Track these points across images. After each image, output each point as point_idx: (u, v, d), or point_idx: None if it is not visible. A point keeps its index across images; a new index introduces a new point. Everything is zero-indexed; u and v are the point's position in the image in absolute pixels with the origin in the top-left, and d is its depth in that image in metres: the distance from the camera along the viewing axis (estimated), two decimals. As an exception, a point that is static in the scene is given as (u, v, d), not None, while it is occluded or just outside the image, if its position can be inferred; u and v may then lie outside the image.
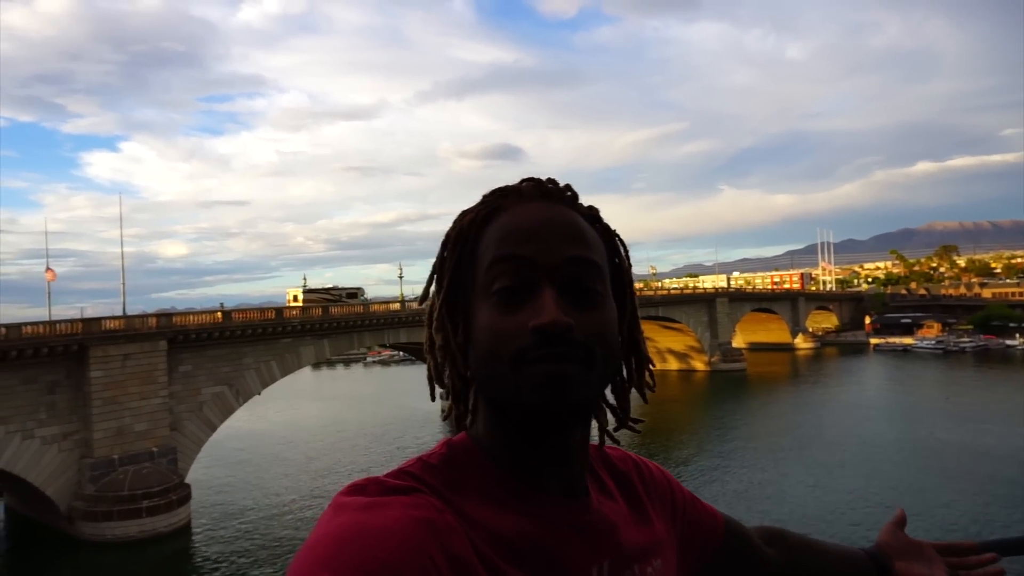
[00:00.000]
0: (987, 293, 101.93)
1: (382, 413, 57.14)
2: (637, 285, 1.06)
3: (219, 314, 37.65)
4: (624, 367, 1.01)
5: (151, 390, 31.81)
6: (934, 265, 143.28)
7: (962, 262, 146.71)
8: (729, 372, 70.53)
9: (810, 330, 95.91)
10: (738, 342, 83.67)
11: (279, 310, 41.42)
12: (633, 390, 1.03)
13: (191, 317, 36.20)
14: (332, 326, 41.87)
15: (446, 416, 0.97)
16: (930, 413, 47.83)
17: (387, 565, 0.71)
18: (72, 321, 31.96)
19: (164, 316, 36.04)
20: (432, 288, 0.98)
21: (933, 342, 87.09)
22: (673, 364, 74.02)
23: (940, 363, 75.86)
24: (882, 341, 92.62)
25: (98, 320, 32.42)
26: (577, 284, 0.89)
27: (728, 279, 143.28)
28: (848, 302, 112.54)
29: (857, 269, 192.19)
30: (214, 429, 35.11)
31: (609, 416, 1.01)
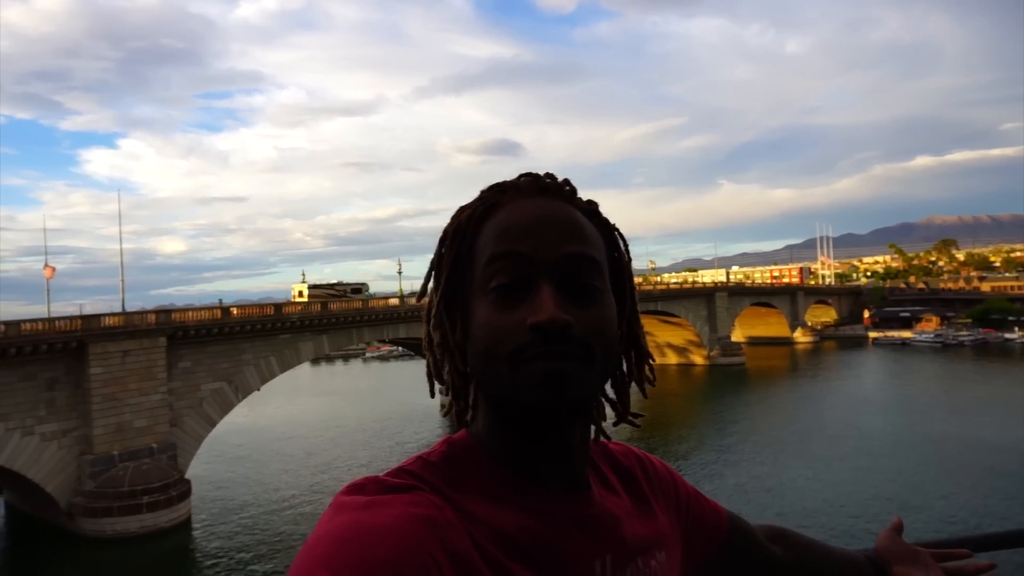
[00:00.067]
0: (986, 287, 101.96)
1: (381, 409, 57.18)
2: (636, 280, 1.05)
3: (218, 310, 37.68)
4: (624, 362, 1.00)
5: (150, 386, 31.83)
6: (933, 259, 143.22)
7: (961, 256, 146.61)
8: (728, 366, 70.61)
9: (809, 324, 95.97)
10: (737, 336, 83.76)
11: (278, 306, 41.41)
12: (633, 384, 1.03)
13: (190, 313, 36.22)
14: (331, 322, 41.89)
15: (446, 412, 0.97)
16: (928, 406, 47.93)
17: (387, 563, 0.71)
18: (71, 318, 31.97)
19: (163, 313, 36.04)
20: (430, 285, 0.97)
21: (932, 336, 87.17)
22: (672, 358, 74.11)
23: (939, 357, 75.96)
24: (881, 335, 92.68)
25: (97, 317, 32.45)
26: (575, 280, 0.88)
27: (727, 273, 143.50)
28: (847, 296, 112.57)
29: (856, 263, 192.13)
30: (214, 425, 35.16)
31: (609, 411, 1.01)
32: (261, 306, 40.92)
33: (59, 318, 32.06)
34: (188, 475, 32.15)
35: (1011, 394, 50.66)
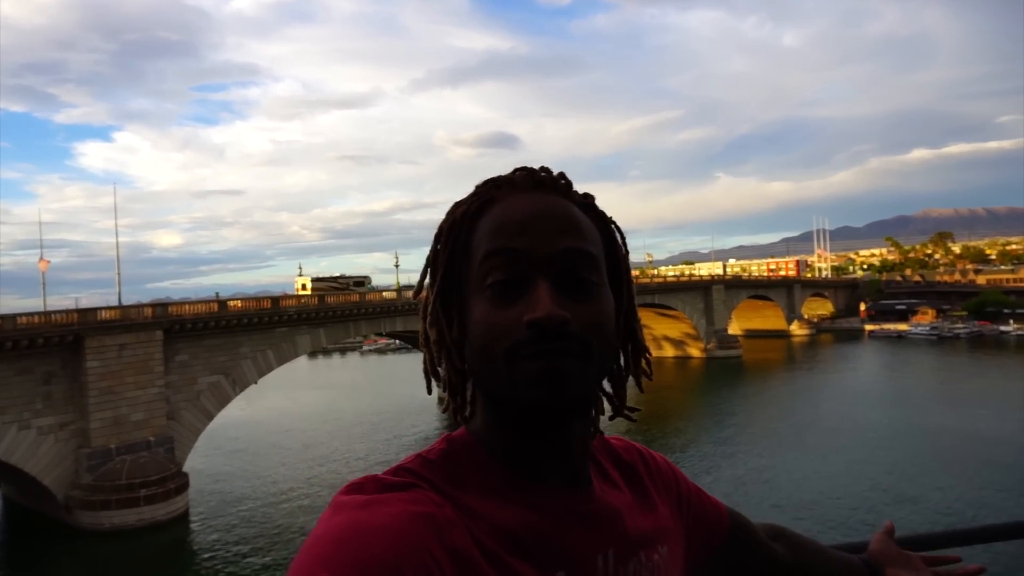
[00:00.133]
0: (982, 279, 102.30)
1: (379, 402, 57.23)
2: (633, 273, 1.04)
3: (215, 304, 37.65)
4: (621, 355, 0.99)
5: (147, 380, 31.82)
6: (929, 252, 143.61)
7: (957, 249, 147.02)
8: (725, 359, 70.78)
9: (805, 317, 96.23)
10: (734, 329, 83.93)
11: (275, 299, 41.36)
12: (630, 378, 1.02)
13: (187, 307, 36.16)
14: (328, 315, 41.88)
15: (444, 408, 0.97)
16: (924, 398, 48.15)
17: (386, 562, 0.71)
18: (67, 311, 31.93)
19: (160, 306, 35.96)
20: (426, 282, 0.96)
21: (927, 328, 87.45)
22: (669, 351, 74.26)
23: (934, 349, 76.25)
24: (877, 327, 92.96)
25: (94, 310, 32.38)
26: (572, 275, 0.87)
27: (724, 266, 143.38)
28: (843, 289, 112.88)
29: (852, 256, 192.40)
30: (211, 418, 35.17)
31: (605, 405, 1.00)
32: (258, 299, 40.88)
33: (55, 312, 32.00)
34: (186, 468, 32.17)
35: (1006, 386, 50.92)
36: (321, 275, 76.69)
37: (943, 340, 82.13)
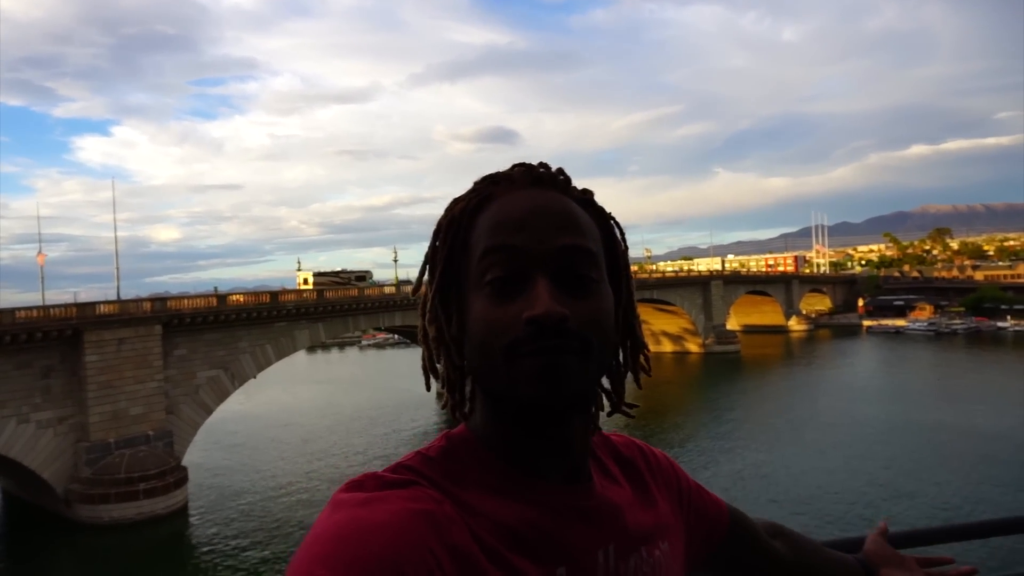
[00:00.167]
0: (979, 276, 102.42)
1: (377, 396, 57.29)
2: (632, 268, 1.04)
3: (214, 298, 37.64)
4: (619, 351, 0.99)
5: (146, 374, 31.83)
6: (927, 248, 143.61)
7: (955, 245, 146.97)
8: (723, 354, 70.86)
9: (804, 312, 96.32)
10: (732, 324, 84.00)
11: (274, 294, 41.37)
12: (628, 374, 1.02)
13: (185, 301, 36.17)
14: (327, 310, 41.88)
15: (443, 405, 0.96)
16: (922, 394, 48.26)
17: (385, 560, 0.71)
18: (66, 306, 31.91)
19: (158, 300, 36.01)
20: (425, 278, 0.96)
21: (925, 324, 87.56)
22: (667, 346, 74.35)
23: (932, 345, 76.37)
24: (875, 323, 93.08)
25: (92, 305, 32.38)
26: (571, 272, 0.87)
27: (723, 262, 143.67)
28: (841, 284, 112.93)
29: (851, 252, 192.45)
30: (210, 412, 35.21)
31: (604, 401, 1.00)
32: (257, 294, 40.88)
33: (54, 306, 31.99)
34: (184, 462, 32.21)
35: (1003, 382, 51.03)
36: (323, 270, 76.98)
37: (940, 336, 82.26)
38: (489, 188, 0.94)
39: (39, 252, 45.69)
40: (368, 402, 54.83)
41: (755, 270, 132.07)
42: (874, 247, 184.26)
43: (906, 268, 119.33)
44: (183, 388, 33.72)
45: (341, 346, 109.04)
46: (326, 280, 68.85)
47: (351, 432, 44.42)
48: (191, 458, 33.58)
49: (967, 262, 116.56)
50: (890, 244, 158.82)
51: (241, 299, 38.88)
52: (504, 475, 0.89)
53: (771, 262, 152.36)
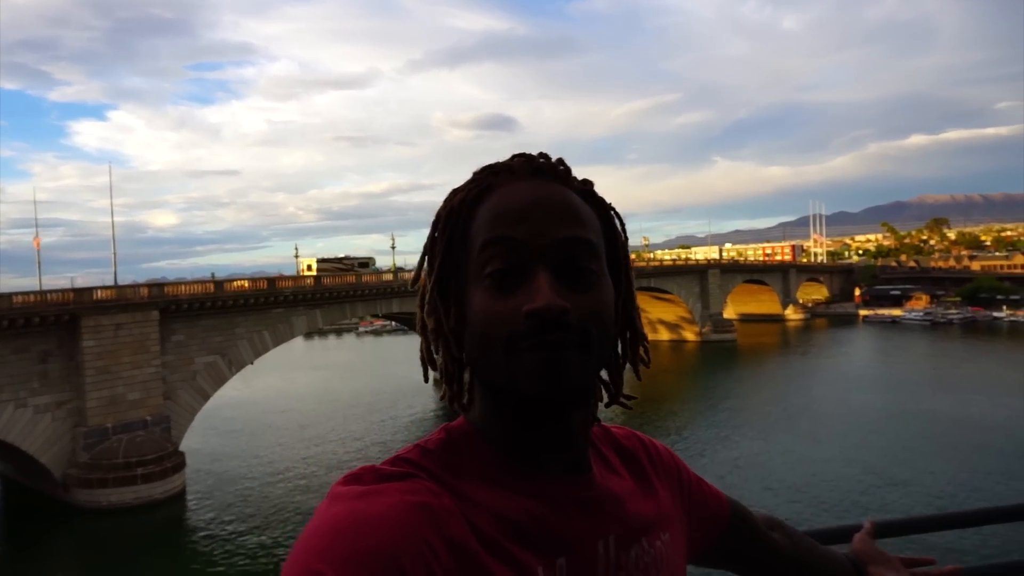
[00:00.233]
0: (976, 266, 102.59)
1: (374, 383, 57.39)
2: (630, 256, 1.03)
3: (211, 284, 37.60)
4: (619, 343, 0.99)
5: (144, 359, 31.85)
6: (924, 238, 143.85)
7: (952, 235, 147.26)
8: (720, 343, 71.04)
9: (800, 301, 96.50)
10: (729, 313, 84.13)
11: (271, 280, 41.33)
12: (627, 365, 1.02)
13: (183, 287, 36.13)
14: (324, 296, 41.87)
15: (442, 396, 0.96)
16: (917, 383, 48.44)
17: (382, 553, 0.71)
18: (63, 291, 31.89)
19: (156, 286, 35.97)
20: (423, 270, 0.95)
21: (921, 314, 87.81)
22: (664, 335, 74.49)
23: (928, 335, 76.62)
24: (871, 313, 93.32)
25: (89, 290, 32.35)
26: (572, 265, 0.86)
27: (720, 250, 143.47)
28: (838, 274, 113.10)
29: (848, 241, 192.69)
30: (207, 398, 35.26)
31: (602, 392, 1.00)
32: (255, 280, 40.83)
33: (51, 291, 31.96)
34: (182, 447, 32.29)
35: (998, 372, 51.27)
36: (326, 256, 77.18)
37: (936, 326, 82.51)
38: (488, 179, 0.93)
39: (35, 237, 45.55)
40: (365, 389, 54.94)
41: (752, 259, 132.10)
42: (872, 237, 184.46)
43: (903, 258, 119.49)
44: (181, 374, 33.75)
45: (338, 332, 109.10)
46: (330, 266, 69.14)
47: (348, 419, 44.53)
48: (189, 443, 33.67)
49: (964, 252, 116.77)
50: (887, 234, 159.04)
51: (240, 285, 38.86)
52: (504, 467, 0.89)
53: (769, 251, 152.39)
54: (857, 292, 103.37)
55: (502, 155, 0.98)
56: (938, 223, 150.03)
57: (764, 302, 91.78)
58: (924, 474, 29.09)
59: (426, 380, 0.99)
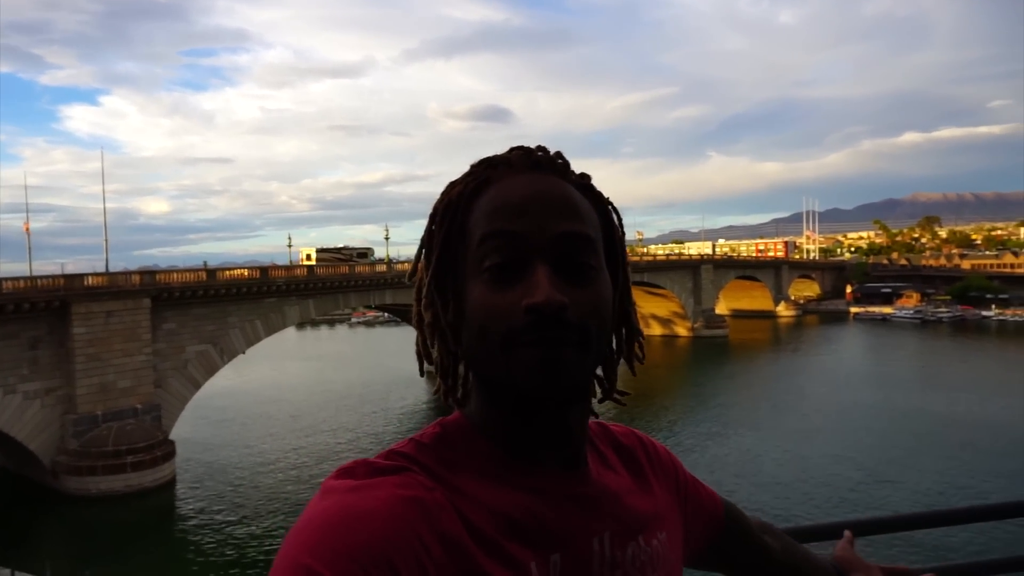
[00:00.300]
0: (966, 264, 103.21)
1: (366, 374, 57.38)
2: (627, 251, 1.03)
3: (203, 272, 37.46)
4: (614, 338, 0.97)
5: (135, 347, 31.73)
6: (916, 236, 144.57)
7: (943, 233, 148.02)
8: (712, 338, 71.30)
9: (792, 298, 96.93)
10: (721, 309, 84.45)
11: (264, 269, 41.23)
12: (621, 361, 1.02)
13: (175, 275, 35.98)
14: (317, 286, 41.78)
15: (436, 390, 0.95)
16: (906, 381, 48.77)
17: (373, 548, 0.71)
18: (54, 277, 31.71)
19: (147, 273, 35.80)
20: (420, 263, 0.94)
21: (911, 312, 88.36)
22: (656, 329, 74.67)
23: (917, 332, 77.11)
24: (862, 310, 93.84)
25: (80, 276, 32.17)
26: (571, 259, 0.86)
27: (713, 246, 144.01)
28: (830, 271, 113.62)
29: (840, 238, 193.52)
30: (198, 387, 35.17)
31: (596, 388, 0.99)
32: (247, 269, 40.71)
33: (42, 277, 31.77)
34: (172, 436, 32.22)
35: (986, 371, 51.70)
36: (326, 246, 77.27)
37: (926, 324, 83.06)
38: (487, 172, 0.92)
39: (25, 222, 45.23)
40: (357, 380, 54.92)
41: (745, 255, 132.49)
42: (864, 234, 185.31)
43: (895, 256, 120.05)
44: (172, 362, 33.64)
45: (331, 323, 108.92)
46: (328, 256, 69.22)
47: (340, 410, 44.52)
48: (179, 432, 33.60)
49: (955, 251, 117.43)
50: (880, 231, 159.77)
51: (230, 274, 38.73)
52: (499, 462, 0.88)
53: (761, 247, 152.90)
54: (848, 289, 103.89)
55: (497, 147, 0.96)
56: (930, 221, 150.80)
57: (756, 298, 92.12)
58: (912, 471, 29.32)
59: (422, 374, 0.99)
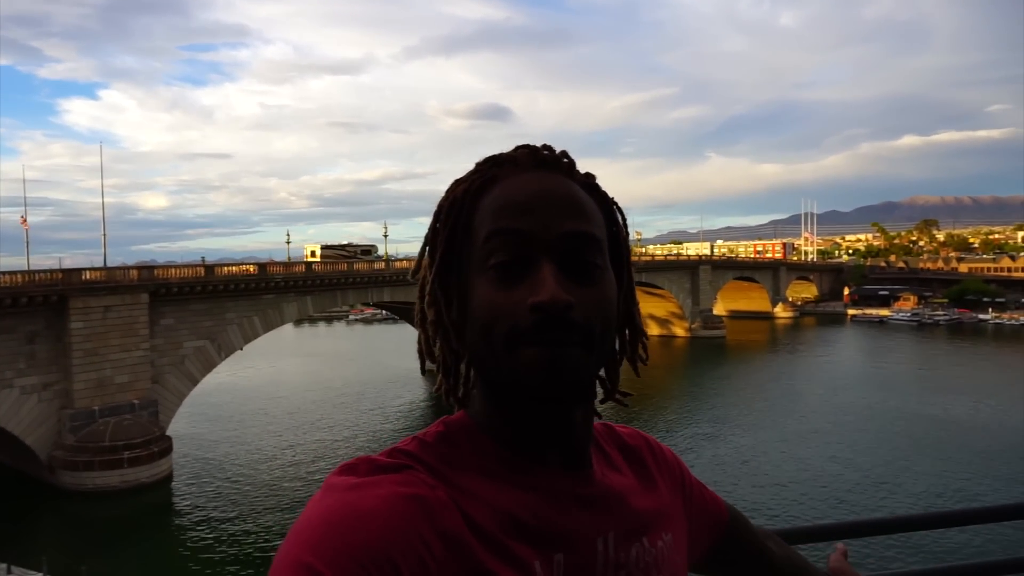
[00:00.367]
0: (964, 268, 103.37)
1: (364, 371, 57.36)
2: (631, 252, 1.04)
3: (201, 268, 37.42)
4: (617, 338, 0.98)
5: (132, 342, 31.69)
6: (914, 239, 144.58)
7: (941, 236, 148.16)
8: (709, 339, 71.36)
9: (790, 299, 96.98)
10: (719, 309, 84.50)
11: (262, 266, 41.22)
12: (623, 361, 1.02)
13: (173, 270, 35.91)
14: (315, 283, 41.75)
15: (437, 388, 0.95)
16: (902, 384, 48.86)
17: (373, 547, 0.71)
18: (51, 271, 31.70)
19: (146, 268, 35.74)
20: (424, 261, 0.94)
21: (908, 314, 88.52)
22: (654, 330, 74.67)
23: (914, 335, 77.23)
24: (859, 312, 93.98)
25: (78, 271, 32.12)
26: (576, 258, 0.86)
27: (712, 247, 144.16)
28: (828, 273, 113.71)
29: (839, 240, 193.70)
30: (196, 383, 35.14)
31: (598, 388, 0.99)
32: (245, 265, 40.69)
33: (39, 271, 31.74)
34: (170, 432, 32.19)
35: (982, 374, 51.81)
36: (330, 243, 77.62)
37: (923, 326, 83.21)
38: (492, 170, 0.92)
39: (23, 216, 45.12)
40: (355, 377, 54.90)
41: (743, 256, 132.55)
42: (862, 236, 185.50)
43: (892, 258, 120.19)
44: (169, 357, 33.61)
45: (329, 320, 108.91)
46: (333, 253, 69.42)
47: (337, 406, 44.52)
48: (176, 428, 33.58)
49: (952, 254, 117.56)
50: (878, 234, 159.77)
51: (228, 270, 38.70)
52: (502, 460, 0.88)
53: (760, 248, 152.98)
54: (846, 291, 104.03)
55: (497, 145, 0.95)
56: (928, 224, 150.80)
57: (754, 299, 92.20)
58: (908, 473, 29.39)
59: (423, 372, 0.98)
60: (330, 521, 0.72)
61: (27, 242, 43.48)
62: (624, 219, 0.99)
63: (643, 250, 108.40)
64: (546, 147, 0.94)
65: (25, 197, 46.64)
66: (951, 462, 30.52)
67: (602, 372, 0.95)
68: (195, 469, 31.86)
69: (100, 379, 30.31)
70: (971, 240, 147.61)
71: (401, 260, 54.55)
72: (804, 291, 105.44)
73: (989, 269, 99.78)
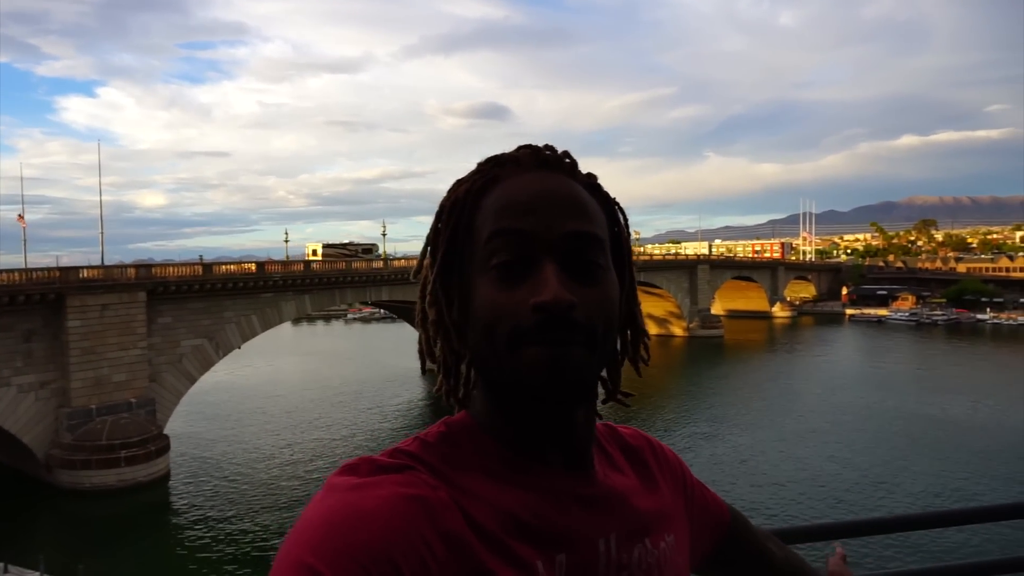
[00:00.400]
0: (962, 268, 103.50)
1: (362, 370, 57.28)
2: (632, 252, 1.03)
3: (199, 267, 37.37)
4: (619, 339, 0.97)
5: (130, 341, 31.64)
6: (912, 238, 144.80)
7: (940, 236, 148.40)
8: (707, 338, 71.40)
9: (788, 299, 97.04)
10: (717, 309, 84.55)
11: (260, 264, 41.20)
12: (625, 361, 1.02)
13: (171, 269, 35.87)
14: (314, 282, 41.72)
15: (438, 389, 0.94)
16: (900, 383, 48.91)
17: (375, 548, 0.70)
18: (49, 269, 31.64)
19: (143, 267, 35.70)
20: (426, 261, 0.93)
21: (907, 314, 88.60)
22: (652, 329, 72.31)
23: (912, 335, 77.30)
24: (857, 312, 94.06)
25: (76, 269, 32.05)
26: (579, 258, 0.86)
27: (710, 246, 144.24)
28: (826, 273, 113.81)
29: (837, 240, 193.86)
30: (193, 381, 35.10)
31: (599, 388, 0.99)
32: (244, 264, 40.65)
33: (36, 269, 31.68)
34: (167, 431, 32.16)
35: (980, 374, 51.87)
36: (331, 242, 77.77)
37: (921, 326, 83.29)
38: (494, 170, 0.92)
39: (20, 214, 45.05)
40: (353, 376, 54.84)
41: (742, 256, 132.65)
42: (860, 236, 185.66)
43: (891, 258, 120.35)
44: (167, 356, 33.56)
45: (327, 319, 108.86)
46: (334, 252, 69.67)
47: (335, 405, 44.48)
48: (173, 427, 33.54)
49: (950, 254, 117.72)
50: (876, 234, 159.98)
51: (226, 269, 38.66)
52: (504, 461, 0.88)
53: (758, 248, 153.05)
54: (844, 291, 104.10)
55: (496, 144, 0.92)
56: (926, 224, 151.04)
57: (752, 299, 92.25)
58: (906, 473, 29.42)
59: (424, 372, 0.98)
60: (331, 521, 0.72)
61: (24, 240, 43.45)
62: (626, 219, 0.99)
63: (641, 249, 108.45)
64: (548, 147, 0.94)
65: (23, 195, 46.68)
66: (949, 462, 30.55)
67: (604, 372, 0.96)
68: (192, 468, 31.82)
69: (97, 378, 30.26)
70: (969, 240, 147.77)
71: (400, 259, 54.55)
72: (802, 291, 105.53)
73: (987, 269, 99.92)
